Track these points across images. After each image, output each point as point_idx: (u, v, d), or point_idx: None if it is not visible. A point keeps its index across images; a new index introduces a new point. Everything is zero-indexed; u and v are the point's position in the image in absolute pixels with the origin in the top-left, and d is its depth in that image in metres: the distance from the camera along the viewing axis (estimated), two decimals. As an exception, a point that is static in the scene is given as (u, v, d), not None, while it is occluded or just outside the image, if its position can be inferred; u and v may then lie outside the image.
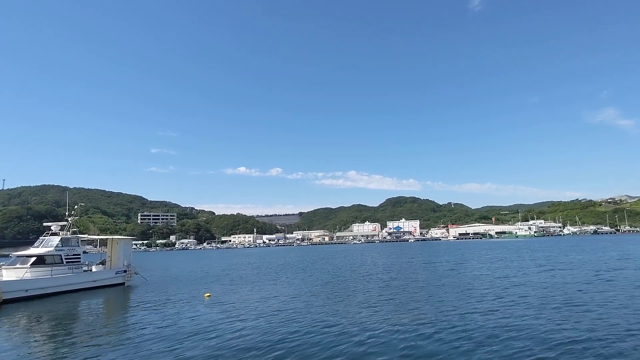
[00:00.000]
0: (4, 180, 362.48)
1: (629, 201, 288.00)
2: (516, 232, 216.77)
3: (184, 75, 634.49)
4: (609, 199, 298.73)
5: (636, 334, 12.55)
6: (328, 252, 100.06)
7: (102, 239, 41.97)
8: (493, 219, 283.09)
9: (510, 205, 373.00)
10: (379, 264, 49.54)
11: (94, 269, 32.93)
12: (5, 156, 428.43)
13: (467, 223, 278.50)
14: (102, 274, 32.65)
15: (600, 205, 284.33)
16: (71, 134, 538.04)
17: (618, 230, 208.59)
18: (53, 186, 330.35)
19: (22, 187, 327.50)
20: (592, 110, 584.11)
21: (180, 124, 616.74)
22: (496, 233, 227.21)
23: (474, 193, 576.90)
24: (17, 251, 32.21)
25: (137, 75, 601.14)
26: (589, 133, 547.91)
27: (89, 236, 43.93)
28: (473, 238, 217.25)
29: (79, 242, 32.76)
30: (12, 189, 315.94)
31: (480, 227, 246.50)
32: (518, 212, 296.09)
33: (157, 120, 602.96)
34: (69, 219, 33.36)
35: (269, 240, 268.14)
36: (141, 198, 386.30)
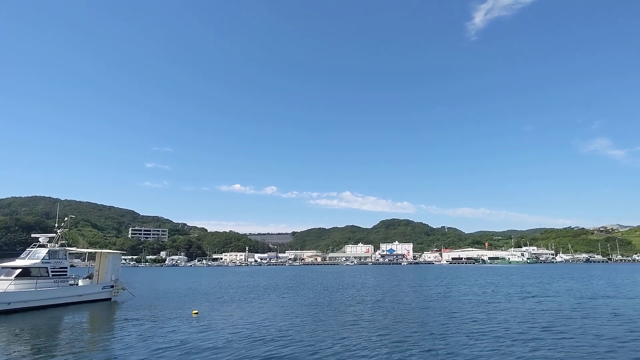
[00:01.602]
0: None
1: (621, 230, 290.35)
2: (509, 259, 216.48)
3: (181, 89, 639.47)
4: (601, 227, 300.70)
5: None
6: (319, 273, 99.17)
7: (90, 252, 41.34)
8: (486, 244, 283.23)
9: (503, 231, 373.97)
10: (369, 286, 49.17)
11: (80, 282, 32.34)
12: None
13: (460, 247, 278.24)
14: (89, 289, 32.06)
15: (592, 233, 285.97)
16: (64, 144, 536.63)
17: (610, 259, 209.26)
18: (43, 197, 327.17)
19: (12, 197, 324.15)
20: (585, 140, 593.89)
21: (176, 139, 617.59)
22: (489, 259, 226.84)
23: (468, 217, 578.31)
24: (2, 262, 31.59)
25: (134, 88, 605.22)
26: (581, 162, 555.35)
27: (77, 249, 43.32)
28: (466, 263, 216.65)
29: (67, 255, 32.29)
30: (1, 199, 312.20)
31: (473, 252, 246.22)
32: (511, 238, 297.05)
33: (153, 135, 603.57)
34: (58, 231, 32.96)
35: (261, 259, 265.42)
36: (133, 212, 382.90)
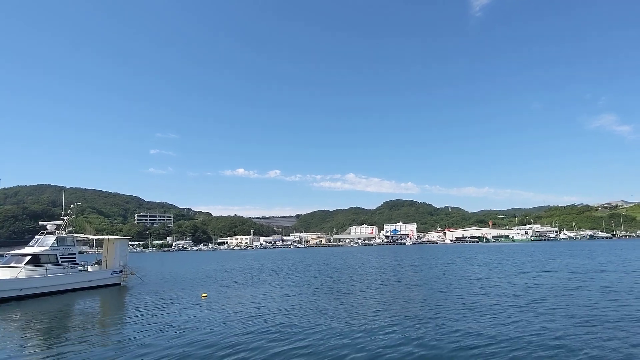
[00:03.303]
0: (0, 179, 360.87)
1: (625, 206, 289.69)
2: (513, 237, 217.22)
3: (183, 76, 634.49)
4: (605, 204, 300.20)
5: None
6: (324, 255, 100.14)
7: (98, 239, 41.83)
8: (490, 223, 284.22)
9: (507, 210, 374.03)
10: (372, 266, 49.60)
11: (89, 269, 32.82)
12: (1, 155, 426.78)
13: (464, 227, 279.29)
14: (98, 274, 32.55)
15: (596, 210, 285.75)
16: (69, 134, 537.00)
17: (614, 236, 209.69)
18: (49, 186, 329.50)
19: (19, 186, 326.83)
20: (591, 116, 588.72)
21: (180, 125, 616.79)
22: (493, 237, 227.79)
23: (472, 197, 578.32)
24: (12, 250, 32.05)
25: (138, 75, 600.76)
26: (587, 138, 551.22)
27: (85, 236, 43.82)
28: (470, 242, 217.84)
29: (75, 241, 32.66)
30: (8, 188, 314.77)
31: (477, 231, 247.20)
32: (515, 217, 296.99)
33: (157, 122, 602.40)
34: (65, 219, 33.27)
35: (266, 242, 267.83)
36: (138, 199, 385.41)
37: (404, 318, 16.80)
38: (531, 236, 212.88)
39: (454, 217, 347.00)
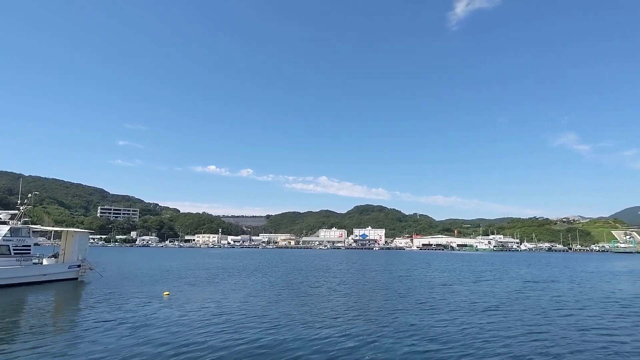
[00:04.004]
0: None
1: (582, 221, 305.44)
2: (476, 246, 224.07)
3: (157, 67, 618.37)
4: (564, 218, 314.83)
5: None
6: (292, 256, 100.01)
7: (56, 231, 40.07)
8: (455, 231, 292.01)
9: (472, 219, 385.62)
10: (338, 269, 50.05)
11: (45, 261, 31.50)
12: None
13: (430, 234, 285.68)
14: (54, 268, 31.28)
15: (555, 223, 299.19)
16: (28, 120, 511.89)
17: (570, 249, 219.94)
18: (6, 172, 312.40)
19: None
20: (554, 134, 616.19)
21: (150, 118, 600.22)
22: (458, 245, 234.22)
23: (439, 205, 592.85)
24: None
25: (107, 64, 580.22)
26: (550, 154, 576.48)
27: (42, 227, 41.83)
28: (436, 249, 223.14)
29: (30, 233, 31.28)
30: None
31: (443, 239, 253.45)
32: (479, 226, 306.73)
33: (126, 112, 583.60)
34: (21, 208, 31.86)
35: (234, 242, 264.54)
36: (102, 191, 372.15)
37: (362, 321, 17.14)
38: (494, 246, 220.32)
39: (421, 225, 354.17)
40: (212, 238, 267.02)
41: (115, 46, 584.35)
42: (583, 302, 23.77)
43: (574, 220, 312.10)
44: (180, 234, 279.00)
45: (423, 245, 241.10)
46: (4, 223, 29.78)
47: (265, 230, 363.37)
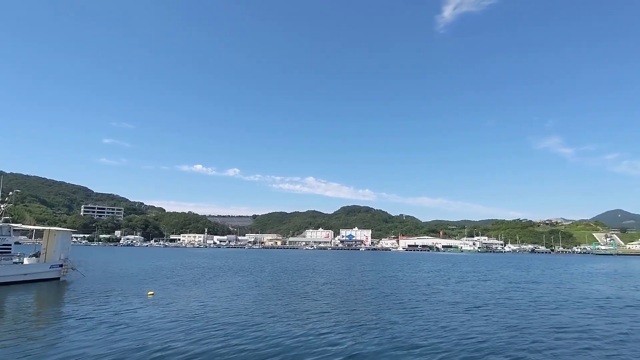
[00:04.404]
0: None
1: (564, 223, 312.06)
2: (461, 247, 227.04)
3: (144, 66, 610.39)
4: (547, 220, 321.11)
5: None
6: (278, 257, 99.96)
7: (38, 229, 39.40)
8: (441, 232, 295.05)
9: (458, 221, 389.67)
10: (324, 270, 50.31)
11: (26, 261, 30.98)
12: None
13: (416, 235, 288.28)
14: (35, 267, 30.79)
15: (538, 225, 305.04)
16: (9, 118, 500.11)
17: (553, 250, 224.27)
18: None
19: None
20: (539, 137, 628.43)
21: (137, 116, 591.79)
22: (443, 246, 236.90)
23: (425, 207, 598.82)
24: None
25: (94, 63, 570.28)
26: (534, 157, 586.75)
27: (24, 226, 41.13)
28: (421, 250, 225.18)
29: (11, 231, 30.74)
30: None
31: (428, 240, 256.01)
32: (464, 228, 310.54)
33: (112, 110, 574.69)
34: (2, 206, 31.29)
35: (220, 242, 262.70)
36: (86, 189, 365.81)
37: (344, 321, 17.39)
38: (478, 247, 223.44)
39: (407, 226, 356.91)
40: (198, 238, 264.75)
41: (103, 45, 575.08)
42: (560, 303, 24.51)
43: (556, 222, 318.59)
44: (165, 233, 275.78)
45: (409, 246, 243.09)
46: (-16, 221, 29.22)
47: (251, 230, 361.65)
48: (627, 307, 23.26)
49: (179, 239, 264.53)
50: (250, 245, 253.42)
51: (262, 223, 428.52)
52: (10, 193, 34.28)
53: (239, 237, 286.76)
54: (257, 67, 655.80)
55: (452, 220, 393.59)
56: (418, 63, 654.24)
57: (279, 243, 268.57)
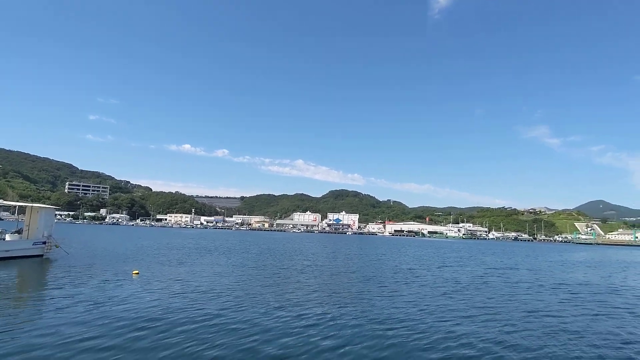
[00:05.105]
0: None
1: (547, 212, 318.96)
2: (447, 233, 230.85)
3: (132, 43, 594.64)
4: (530, 209, 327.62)
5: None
6: (265, 238, 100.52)
7: (20, 205, 38.85)
8: (427, 218, 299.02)
9: (444, 207, 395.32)
10: (311, 253, 50.90)
11: (7, 237, 30.68)
12: None
13: (403, 220, 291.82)
14: (17, 244, 30.53)
15: (522, 214, 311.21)
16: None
17: (535, 239, 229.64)
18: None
19: None
20: (526, 127, 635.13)
21: (124, 92, 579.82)
22: (428, 232, 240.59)
23: (413, 192, 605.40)
24: None
25: (81, 30, 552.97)
26: (521, 147, 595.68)
27: (5, 202, 40.47)
28: (407, 235, 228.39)
29: (-7, 207, 30.33)
30: None
31: (414, 226, 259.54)
32: (450, 215, 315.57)
33: (98, 85, 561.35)
34: (-17, 182, 30.72)
35: (207, 222, 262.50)
36: (71, 166, 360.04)
37: (325, 302, 17.77)
38: (463, 234, 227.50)
39: (394, 211, 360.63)
40: (185, 218, 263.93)
41: (90, 19, 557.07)
42: (536, 288, 25.39)
43: (540, 211, 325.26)
44: (152, 213, 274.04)
45: (395, 231, 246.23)
46: (-36, 196, 28.75)
47: (239, 211, 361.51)
48: (598, 294, 24.20)
49: (166, 219, 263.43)
50: (237, 226, 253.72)
51: (250, 205, 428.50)
52: (-8, 168, 33.61)
53: (227, 219, 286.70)
54: (248, 50, 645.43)
55: (438, 206, 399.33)
56: (412, 49, 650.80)
57: (266, 225, 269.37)
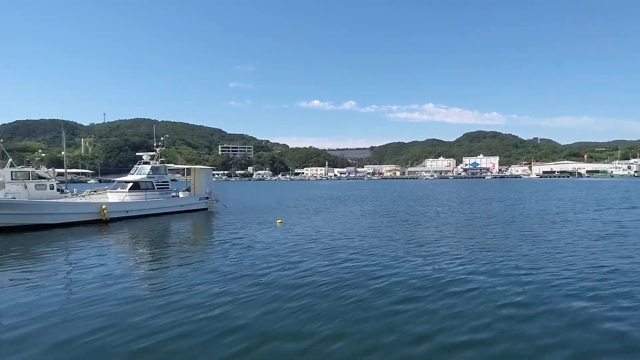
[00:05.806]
0: (104, 114, 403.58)
1: None
2: (612, 172, 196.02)
3: (262, 7, 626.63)
4: None
5: None
6: (397, 186, 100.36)
7: (186, 168, 46.06)
8: (585, 156, 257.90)
9: (608, 142, 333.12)
10: (445, 199, 48.79)
11: (180, 195, 36.85)
12: (103, 93, 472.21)
13: (554, 160, 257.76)
14: (188, 200, 36.52)
15: None
16: (151, 74, 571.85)
17: None
18: (144, 119, 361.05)
19: (119, 120, 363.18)
20: None
21: (257, 56, 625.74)
22: (587, 172, 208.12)
23: (566, 127, 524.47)
24: (118, 177, 36.96)
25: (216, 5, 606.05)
26: None
27: (174, 165, 48.50)
28: (559, 176, 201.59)
29: (167, 170, 36.51)
30: (111, 122, 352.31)
31: (568, 165, 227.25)
32: (617, 149, 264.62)
33: (235, 54, 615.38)
34: (157, 150, 37.04)
35: (340, 174, 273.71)
36: (220, 131, 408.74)
37: (457, 246, 16.83)
38: (635, 171, 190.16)
39: (542, 150, 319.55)
40: (320, 171, 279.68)
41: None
42: None
43: None
44: (290, 167, 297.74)
45: (544, 172, 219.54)
46: (147, 163, 35.18)
47: (369, 161, 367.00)
48: None
49: (303, 173, 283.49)
50: (369, 176, 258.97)
51: (380, 154, 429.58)
52: (162, 138, 40.19)
53: (358, 169, 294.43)
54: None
55: (600, 141, 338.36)
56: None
57: (397, 173, 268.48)
